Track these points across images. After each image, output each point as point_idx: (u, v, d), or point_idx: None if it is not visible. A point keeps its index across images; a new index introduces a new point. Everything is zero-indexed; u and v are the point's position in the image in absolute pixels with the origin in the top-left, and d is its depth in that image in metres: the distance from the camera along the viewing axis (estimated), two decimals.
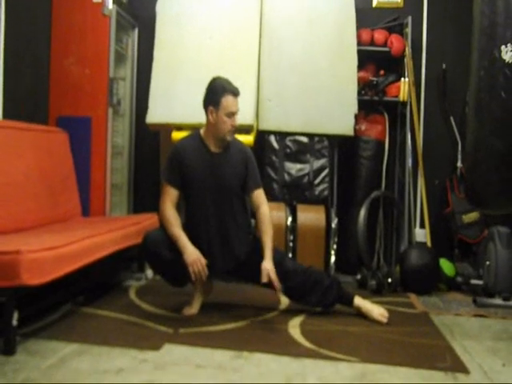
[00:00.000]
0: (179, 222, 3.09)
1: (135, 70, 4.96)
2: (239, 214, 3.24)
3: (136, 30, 4.95)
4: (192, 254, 2.99)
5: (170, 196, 3.14)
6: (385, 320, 3.18)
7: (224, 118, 3.08)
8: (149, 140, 4.79)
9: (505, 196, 3.14)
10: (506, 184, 3.10)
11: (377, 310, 3.25)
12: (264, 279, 3.00)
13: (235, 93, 3.12)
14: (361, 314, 3.27)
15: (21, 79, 3.87)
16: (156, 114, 4.22)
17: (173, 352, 2.60)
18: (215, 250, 3.16)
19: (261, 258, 3.08)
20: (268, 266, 3.04)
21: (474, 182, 3.26)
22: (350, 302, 3.31)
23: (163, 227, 3.16)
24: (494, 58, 3.06)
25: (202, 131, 3.22)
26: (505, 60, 3.03)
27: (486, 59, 3.12)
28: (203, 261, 3.00)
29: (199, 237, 3.12)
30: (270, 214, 3.23)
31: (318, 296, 3.24)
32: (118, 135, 4.74)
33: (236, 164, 3.20)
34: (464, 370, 2.53)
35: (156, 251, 3.07)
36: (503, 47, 3.04)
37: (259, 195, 3.25)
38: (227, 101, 3.08)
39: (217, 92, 3.10)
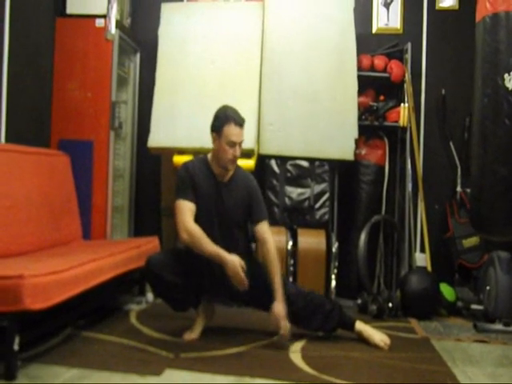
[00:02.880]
0: (206, 236, 3.00)
1: (137, 94, 5.00)
2: (241, 241, 3.26)
3: (138, 54, 5.00)
4: (234, 264, 2.94)
5: (190, 210, 3.06)
6: (386, 346, 3.17)
7: (225, 146, 3.08)
8: (150, 163, 4.81)
9: (510, 223, 3.15)
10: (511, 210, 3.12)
11: (378, 336, 3.24)
12: (274, 323, 3.01)
13: (239, 122, 3.11)
14: (362, 339, 3.26)
15: (24, 103, 3.90)
16: (158, 138, 4.25)
17: (174, 377, 2.59)
18: (218, 273, 3.12)
19: (261, 282, 3.09)
20: (279, 310, 3.02)
21: (480, 208, 3.28)
22: (351, 327, 3.30)
23: (168, 251, 3.17)
24: (497, 85, 3.10)
25: (209, 157, 3.22)
26: (508, 88, 3.07)
27: (490, 87, 3.17)
28: (242, 265, 2.96)
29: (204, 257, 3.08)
30: (274, 249, 3.16)
31: (319, 320, 3.23)
32: (119, 158, 4.76)
33: (240, 196, 3.20)
34: None
35: (159, 275, 3.06)
36: (506, 75, 3.08)
37: (264, 228, 3.19)
38: (229, 130, 3.08)
39: (220, 120, 3.11)
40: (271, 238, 3.18)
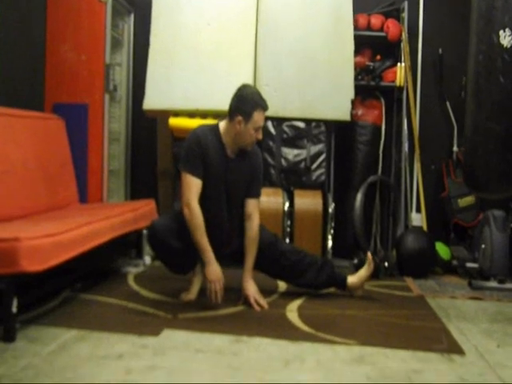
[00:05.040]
0: (204, 227, 3.02)
1: (131, 56, 4.94)
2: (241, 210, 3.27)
3: (132, 16, 4.93)
4: (215, 272, 3.01)
5: (195, 187, 3.04)
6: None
7: (251, 131, 3.06)
8: (145, 126, 4.78)
9: (504, 180, 3.16)
10: (505, 168, 3.11)
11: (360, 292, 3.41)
12: (251, 300, 3.10)
13: (266, 107, 3.10)
14: (356, 289, 3.39)
15: (16, 66, 3.85)
16: (153, 101, 4.21)
17: (172, 337, 2.62)
18: (224, 235, 3.21)
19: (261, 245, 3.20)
20: (251, 288, 3.14)
21: (473, 166, 3.28)
22: (343, 283, 3.37)
23: (171, 215, 3.19)
24: (492, 42, 3.06)
25: (221, 130, 3.14)
26: (503, 45, 3.03)
27: (485, 44, 3.12)
28: (222, 282, 3.03)
29: (209, 221, 3.09)
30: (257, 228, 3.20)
31: (313, 273, 3.31)
32: (114, 121, 4.74)
33: (245, 173, 3.20)
34: (460, 351, 2.56)
35: (164, 241, 3.06)
36: (501, 32, 3.04)
37: (255, 205, 3.23)
38: (259, 115, 3.06)
39: (249, 104, 3.05)
40: (258, 217, 3.22)
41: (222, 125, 3.17)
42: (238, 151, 3.17)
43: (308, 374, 2.27)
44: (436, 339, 2.71)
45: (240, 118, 3.04)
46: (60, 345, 2.45)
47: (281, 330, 2.77)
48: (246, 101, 3.07)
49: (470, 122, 3.28)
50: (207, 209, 3.09)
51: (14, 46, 3.81)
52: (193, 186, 3.04)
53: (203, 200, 3.08)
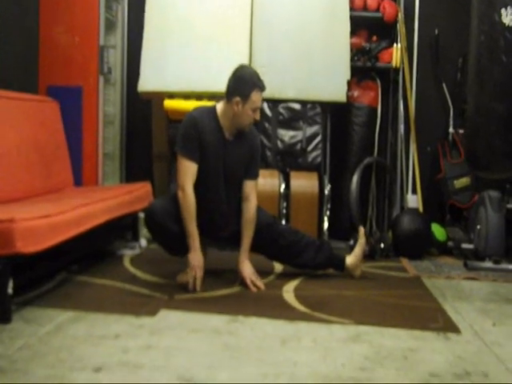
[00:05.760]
0: (195, 212, 3.02)
1: (126, 38, 4.89)
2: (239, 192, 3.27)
3: None
4: (197, 259, 3.02)
5: (190, 172, 3.03)
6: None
7: (249, 111, 3.05)
8: (140, 108, 4.73)
9: (507, 160, 3.16)
10: (508, 148, 3.11)
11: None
12: (248, 281, 3.10)
13: (264, 88, 3.09)
14: (355, 268, 3.40)
15: (9, 48, 3.82)
16: (148, 82, 4.19)
17: (168, 317, 2.62)
18: (222, 217, 3.22)
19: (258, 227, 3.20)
20: (247, 269, 3.14)
21: (476, 146, 3.27)
22: (341, 264, 3.37)
23: (169, 197, 3.20)
24: (494, 21, 3.04)
25: (219, 112, 3.12)
26: (505, 23, 3.01)
27: (486, 23, 3.10)
28: (202, 271, 3.03)
29: (207, 203, 3.12)
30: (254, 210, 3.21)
31: (311, 253, 3.32)
32: (109, 104, 4.70)
33: (243, 154, 3.19)
34: (455, 330, 2.57)
35: (162, 224, 3.06)
36: (503, 10, 3.02)
37: (252, 186, 3.23)
38: (256, 96, 3.04)
39: (247, 85, 3.03)
40: (255, 198, 3.22)
41: (220, 106, 3.15)
42: (236, 133, 3.16)
43: (304, 352, 2.27)
44: (432, 318, 2.72)
45: (238, 98, 3.02)
46: (56, 325, 2.45)
47: (277, 310, 2.77)
48: (244, 81, 3.05)
49: (473, 102, 3.26)
50: (205, 192, 3.09)
51: (8, 29, 3.79)
52: (188, 170, 3.04)
53: (201, 183, 3.07)
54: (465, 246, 4.03)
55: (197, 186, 3.05)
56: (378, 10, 4.58)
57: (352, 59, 4.38)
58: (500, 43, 3.06)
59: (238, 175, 3.21)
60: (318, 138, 4.28)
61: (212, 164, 3.10)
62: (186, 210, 3.00)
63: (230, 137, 3.15)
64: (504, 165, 3.22)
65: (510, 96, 3.09)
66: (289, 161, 4.29)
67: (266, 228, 3.25)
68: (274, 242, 3.27)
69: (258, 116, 3.12)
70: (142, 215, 3.68)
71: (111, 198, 3.47)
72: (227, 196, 3.19)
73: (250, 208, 3.18)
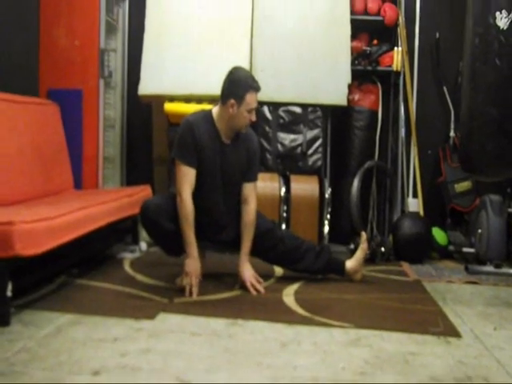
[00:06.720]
0: (193, 219, 3.01)
1: (126, 42, 4.90)
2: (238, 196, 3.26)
3: (127, 1, 4.88)
4: (193, 266, 3.00)
5: (188, 177, 3.02)
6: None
7: (245, 113, 3.04)
8: (141, 112, 4.74)
9: (500, 163, 3.15)
10: (502, 151, 3.10)
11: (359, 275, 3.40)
12: (248, 285, 3.09)
13: (259, 88, 3.08)
14: (356, 272, 3.38)
15: (10, 51, 3.81)
16: (148, 86, 4.19)
17: (168, 321, 2.61)
18: (220, 221, 3.22)
19: (258, 231, 3.19)
20: (247, 272, 3.12)
21: (470, 150, 3.26)
22: (341, 268, 3.36)
23: (166, 196, 3.21)
24: (488, 24, 3.04)
25: (215, 116, 3.12)
26: (499, 27, 3.00)
27: (481, 26, 3.10)
28: (198, 278, 3.02)
29: (206, 207, 3.11)
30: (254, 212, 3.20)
31: (311, 258, 3.31)
32: (109, 108, 4.70)
33: (241, 157, 3.18)
34: (456, 334, 2.56)
35: (156, 221, 3.06)
36: (498, 13, 3.01)
37: (251, 189, 3.22)
38: (251, 97, 3.03)
39: (241, 87, 3.02)
40: (255, 201, 3.21)
41: (215, 110, 3.14)
42: (233, 136, 3.15)
43: (304, 356, 2.26)
44: (432, 322, 2.70)
45: (233, 101, 3.02)
46: (55, 328, 2.44)
47: (277, 313, 2.76)
48: (238, 83, 3.05)
49: (466, 105, 3.26)
50: (203, 195, 3.08)
51: (8, 32, 3.78)
52: (186, 175, 3.03)
53: (199, 187, 3.06)
54: (466, 249, 4.03)
55: (195, 190, 3.05)
56: (378, 13, 4.58)
57: (353, 63, 4.38)
58: (494, 46, 3.05)
59: (236, 179, 3.20)
60: (319, 142, 4.28)
61: (209, 168, 3.09)
62: (184, 217, 2.99)
63: (227, 140, 3.14)
64: (498, 168, 3.21)
65: (503, 100, 3.08)
66: (289, 164, 4.29)
67: (265, 234, 3.24)
68: (273, 247, 3.26)
69: (253, 117, 3.11)
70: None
71: (111, 201, 3.47)
72: (225, 200, 3.19)
73: (250, 211, 3.18)
